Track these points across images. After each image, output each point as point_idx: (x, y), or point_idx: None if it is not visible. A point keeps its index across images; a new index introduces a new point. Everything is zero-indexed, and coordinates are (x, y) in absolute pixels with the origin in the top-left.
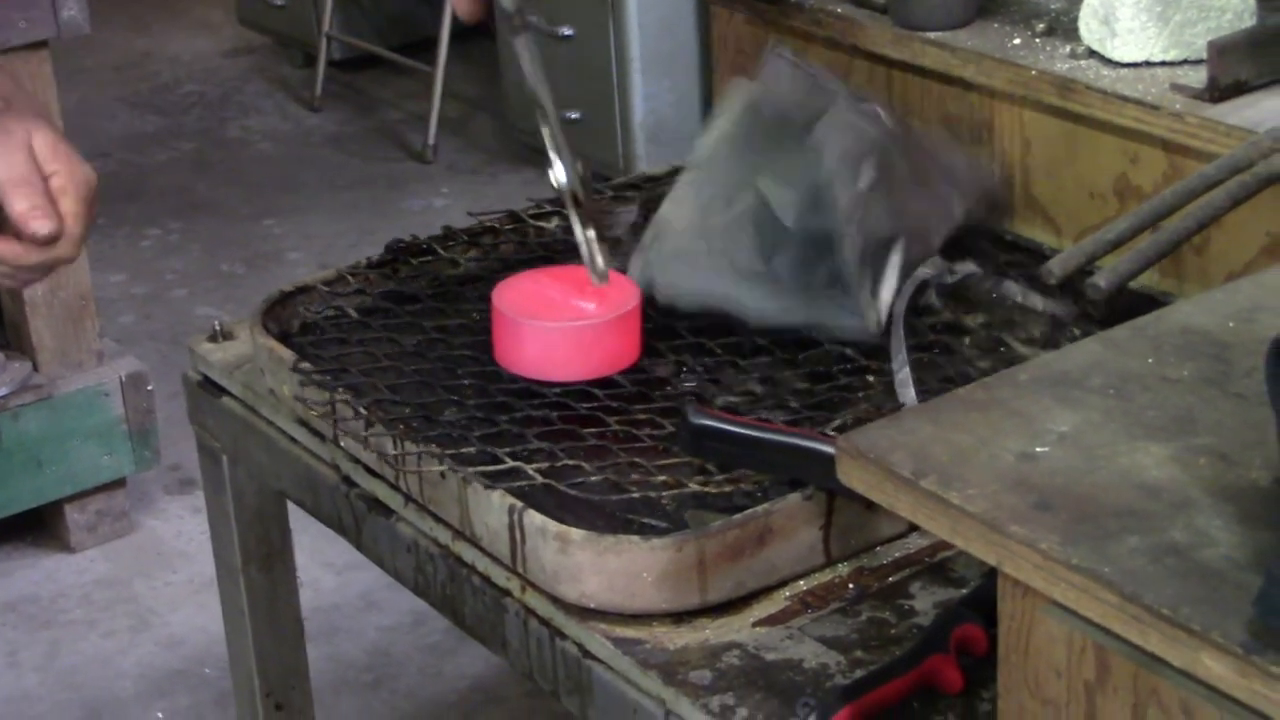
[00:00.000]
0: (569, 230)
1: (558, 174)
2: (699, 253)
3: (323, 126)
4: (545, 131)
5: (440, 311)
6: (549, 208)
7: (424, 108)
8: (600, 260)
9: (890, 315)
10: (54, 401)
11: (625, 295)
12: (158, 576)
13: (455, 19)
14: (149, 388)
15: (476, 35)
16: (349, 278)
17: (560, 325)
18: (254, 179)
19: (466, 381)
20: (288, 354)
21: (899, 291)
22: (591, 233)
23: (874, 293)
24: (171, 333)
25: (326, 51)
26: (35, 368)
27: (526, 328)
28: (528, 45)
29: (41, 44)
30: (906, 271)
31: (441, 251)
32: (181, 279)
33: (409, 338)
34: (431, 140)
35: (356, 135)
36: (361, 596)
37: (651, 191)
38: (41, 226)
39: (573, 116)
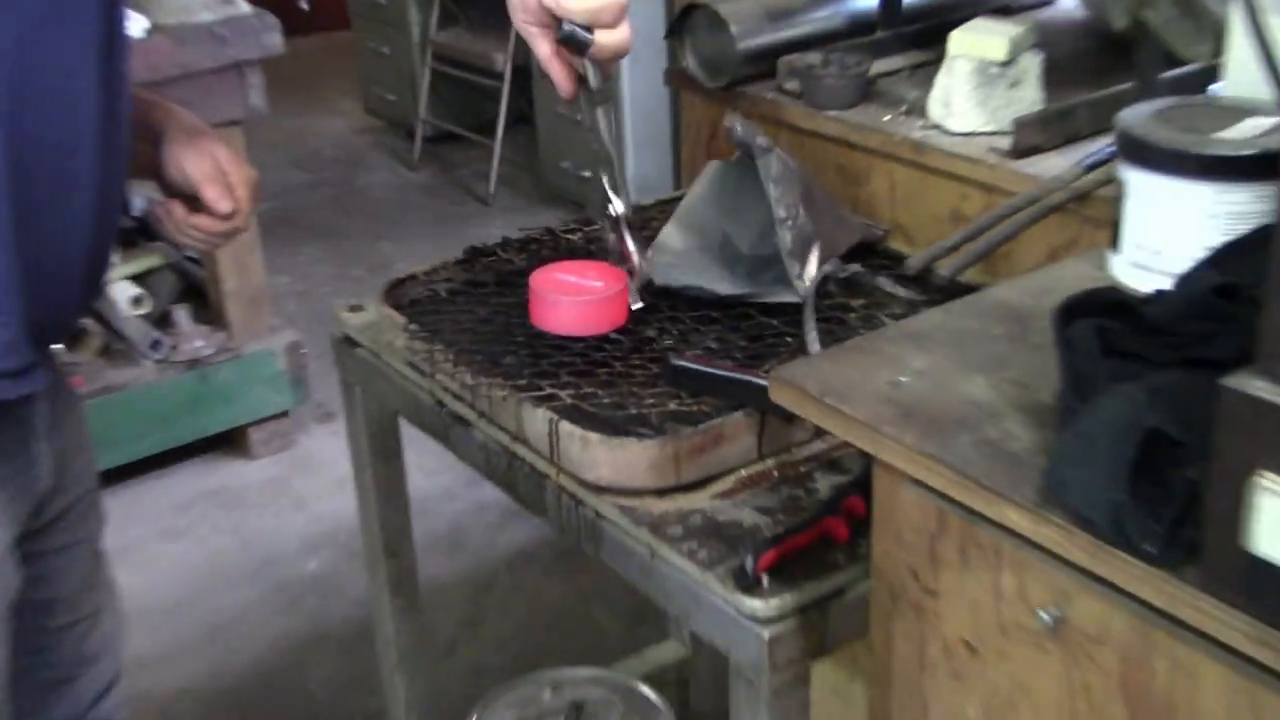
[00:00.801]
0: (589, 240)
1: (616, 206)
2: (684, 259)
3: (419, 180)
4: (605, 178)
5: (501, 293)
6: (573, 225)
7: (486, 168)
8: (639, 260)
9: (806, 295)
10: (241, 359)
11: (618, 279)
12: (309, 476)
13: (510, 110)
14: (303, 351)
15: (522, 121)
16: (440, 270)
17: (576, 299)
18: (373, 215)
19: (520, 339)
20: (401, 319)
21: (813, 281)
22: (634, 244)
23: (800, 274)
24: (318, 315)
25: (422, 130)
26: (230, 336)
27: (554, 300)
28: (605, 114)
29: (236, 122)
30: (822, 262)
31: (502, 254)
32: (325, 280)
33: (480, 310)
34: (491, 190)
35: (441, 186)
36: (443, 491)
37: (641, 216)
38: (225, 205)
39: (585, 174)
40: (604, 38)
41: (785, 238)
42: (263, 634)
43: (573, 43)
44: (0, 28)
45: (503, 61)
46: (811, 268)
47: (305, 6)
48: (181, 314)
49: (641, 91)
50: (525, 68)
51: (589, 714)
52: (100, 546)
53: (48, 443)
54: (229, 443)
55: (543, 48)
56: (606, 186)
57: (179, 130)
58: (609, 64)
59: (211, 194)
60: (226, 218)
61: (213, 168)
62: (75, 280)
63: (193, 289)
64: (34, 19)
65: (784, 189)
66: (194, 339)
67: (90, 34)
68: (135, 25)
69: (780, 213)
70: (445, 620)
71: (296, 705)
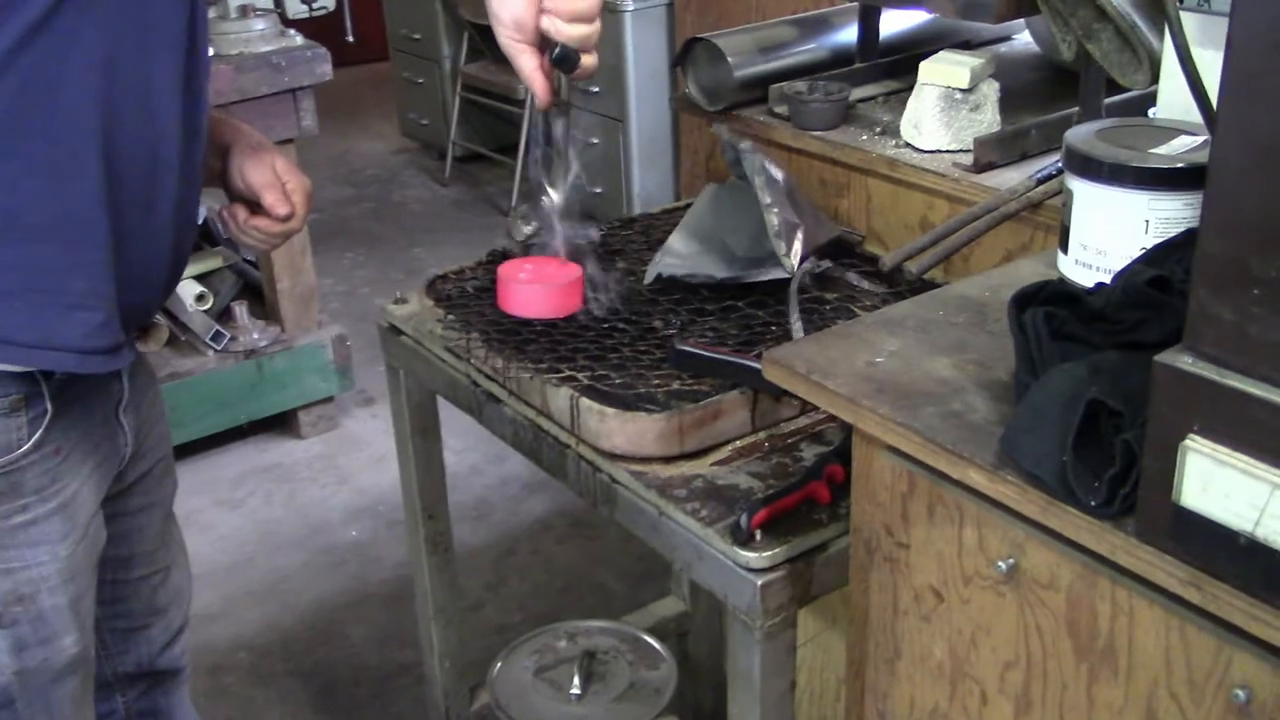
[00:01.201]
0: (603, 244)
1: (555, 198)
2: (687, 259)
3: (449, 195)
4: (546, 174)
5: None
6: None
7: (509, 185)
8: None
9: (792, 271)
10: (293, 350)
11: (574, 271)
12: (351, 454)
13: (529, 130)
14: (347, 343)
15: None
16: (468, 270)
17: (542, 285)
18: (409, 225)
19: (538, 328)
20: (440, 310)
21: (795, 274)
22: (565, 232)
23: (787, 253)
24: (360, 313)
25: (452, 151)
26: (283, 330)
27: (518, 286)
28: (565, 121)
29: (289, 141)
30: (804, 247)
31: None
32: (365, 282)
33: None
34: (514, 203)
35: (469, 200)
36: (470, 468)
37: (645, 222)
38: (282, 209)
39: (598, 190)
40: (586, 59)
41: (772, 221)
42: (310, 593)
43: (566, 62)
44: (94, 53)
45: (523, 91)
46: (796, 248)
47: (350, 39)
48: (240, 310)
49: (647, 117)
50: None
51: (600, 660)
52: (172, 509)
53: (129, 415)
54: (281, 424)
55: (528, 63)
56: (546, 182)
57: (245, 144)
58: (580, 79)
59: (270, 199)
60: (283, 220)
61: (272, 176)
62: (160, 271)
63: (250, 288)
64: (124, 46)
65: (766, 179)
66: (251, 332)
67: (174, 60)
68: None
69: (766, 199)
70: (472, 582)
71: (340, 655)
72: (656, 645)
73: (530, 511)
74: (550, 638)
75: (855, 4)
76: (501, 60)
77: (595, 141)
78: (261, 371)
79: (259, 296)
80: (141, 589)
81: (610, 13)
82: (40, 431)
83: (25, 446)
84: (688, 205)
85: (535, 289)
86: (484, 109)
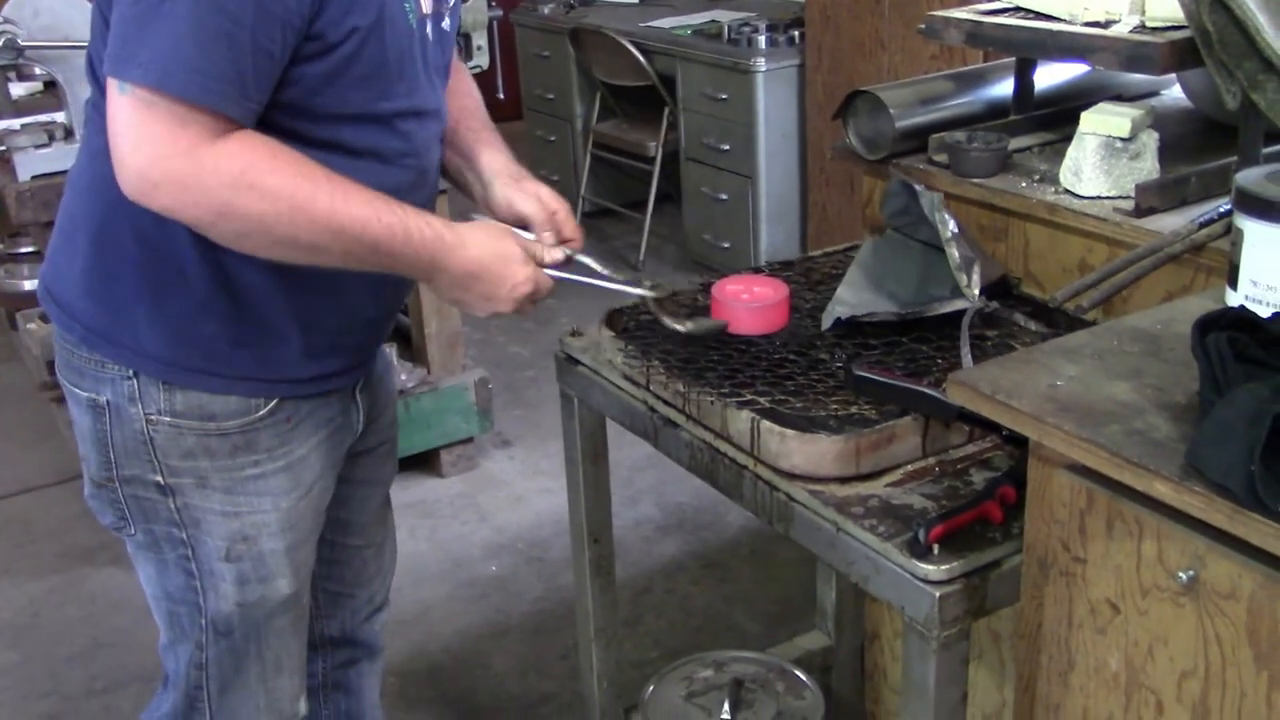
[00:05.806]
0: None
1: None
2: (858, 306)
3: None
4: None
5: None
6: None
7: (637, 240)
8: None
9: (960, 324)
10: (437, 391)
11: (783, 290)
12: (490, 493)
13: (658, 190)
14: (489, 386)
15: (668, 199)
16: (641, 306)
17: (754, 303)
18: None
19: (715, 358)
20: (620, 340)
21: (973, 306)
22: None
23: (969, 284)
24: (498, 358)
25: (582, 207)
26: (429, 372)
27: (733, 305)
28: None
29: (443, 192)
30: (981, 280)
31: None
32: (500, 330)
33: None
34: (641, 258)
35: (598, 255)
36: None
37: (806, 264)
38: (558, 254)
39: (725, 245)
40: None
41: (954, 254)
42: (453, 624)
43: None
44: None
45: (654, 149)
46: (975, 280)
47: (501, 96)
48: (390, 351)
49: (776, 174)
50: (674, 154)
51: (748, 688)
52: (389, 493)
53: (364, 395)
54: (423, 463)
55: None
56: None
57: (506, 176)
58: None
59: (545, 234)
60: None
61: (540, 208)
62: (393, 307)
63: (399, 331)
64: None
65: (945, 215)
66: (400, 373)
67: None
68: None
69: (947, 233)
70: None
71: (483, 684)
72: (803, 676)
73: (664, 552)
74: (698, 666)
75: (1009, 60)
76: (632, 120)
77: (724, 198)
78: (408, 411)
79: (407, 340)
80: (354, 558)
81: (743, 74)
82: (275, 401)
83: (261, 412)
84: (848, 248)
85: (759, 308)
86: (614, 166)
